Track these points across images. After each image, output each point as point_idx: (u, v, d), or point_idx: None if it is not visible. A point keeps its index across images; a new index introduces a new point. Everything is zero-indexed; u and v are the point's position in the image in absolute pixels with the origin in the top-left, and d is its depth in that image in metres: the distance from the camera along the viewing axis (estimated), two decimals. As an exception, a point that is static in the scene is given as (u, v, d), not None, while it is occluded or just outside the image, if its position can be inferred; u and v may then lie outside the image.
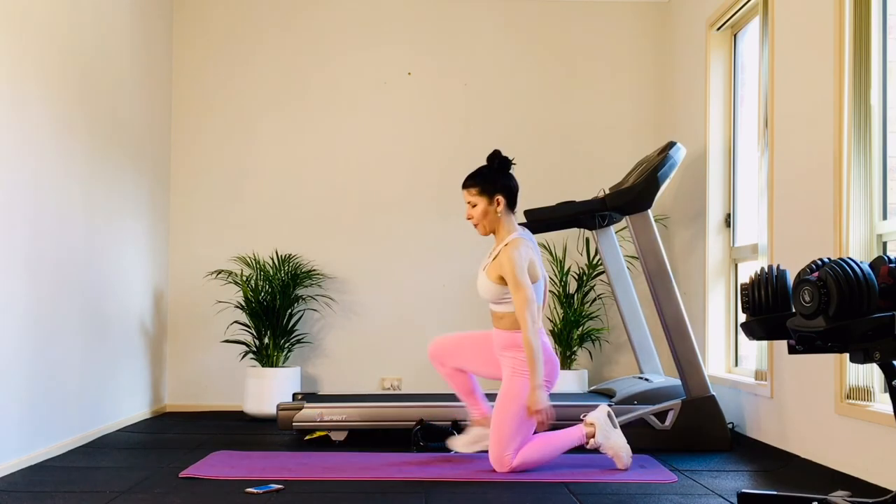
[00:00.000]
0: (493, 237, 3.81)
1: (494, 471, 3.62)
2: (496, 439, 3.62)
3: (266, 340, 5.53)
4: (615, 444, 3.68)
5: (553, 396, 4.83)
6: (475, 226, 3.78)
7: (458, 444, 3.92)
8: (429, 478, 3.53)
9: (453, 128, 6.02)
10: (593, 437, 3.66)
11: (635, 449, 3.84)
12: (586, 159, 6.00)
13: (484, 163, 3.83)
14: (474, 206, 3.74)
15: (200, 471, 3.61)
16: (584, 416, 3.75)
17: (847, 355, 3.37)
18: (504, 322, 3.72)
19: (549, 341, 3.77)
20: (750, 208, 4.88)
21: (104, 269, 4.71)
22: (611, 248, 5.02)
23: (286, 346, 5.60)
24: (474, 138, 5.98)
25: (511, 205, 3.76)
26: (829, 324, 2.53)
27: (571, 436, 3.70)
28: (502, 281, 3.64)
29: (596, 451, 3.71)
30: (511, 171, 3.78)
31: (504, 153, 3.78)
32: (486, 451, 3.71)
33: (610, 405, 4.42)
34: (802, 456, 3.94)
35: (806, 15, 3.97)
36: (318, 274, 5.83)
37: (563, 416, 4.36)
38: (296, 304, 5.65)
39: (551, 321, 5.75)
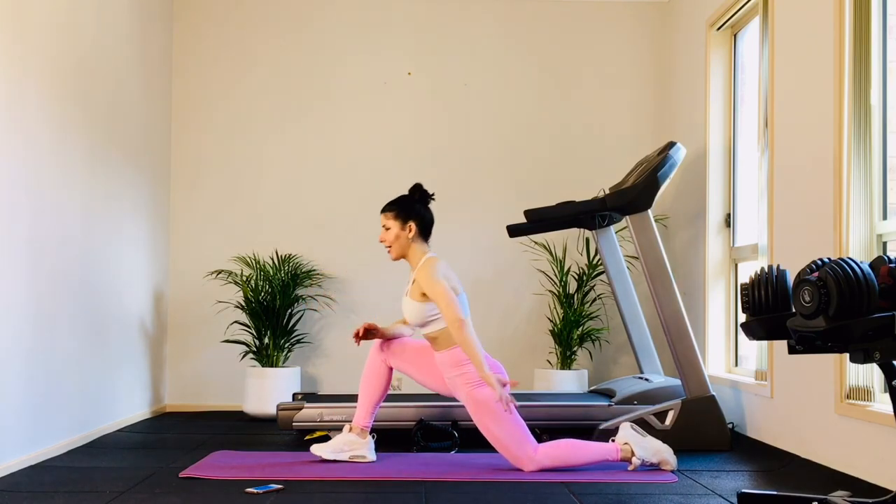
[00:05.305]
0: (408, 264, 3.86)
1: (494, 471, 3.62)
2: (505, 450, 3.63)
3: (266, 340, 5.53)
4: (655, 449, 3.65)
5: (553, 396, 4.87)
6: (388, 249, 3.85)
7: (325, 450, 3.82)
8: (429, 478, 3.53)
9: (453, 128, 6.02)
10: (633, 455, 3.60)
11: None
12: (586, 159, 6.00)
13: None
14: (388, 229, 3.82)
15: (200, 471, 3.61)
16: (613, 440, 3.68)
17: (847, 355, 3.37)
18: (439, 343, 3.73)
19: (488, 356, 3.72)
20: (750, 208, 4.88)
21: (104, 269, 4.71)
22: (611, 248, 5.02)
23: (286, 346, 5.60)
24: (474, 138, 5.99)
25: (424, 234, 3.84)
26: (829, 324, 2.53)
27: (601, 449, 3.65)
28: (426, 298, 3.67)
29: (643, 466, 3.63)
30: (430, 206, 3.87)
31: (428, 185, 3.90)
32: (350, 461, 3.75)
33: (610, 404, 4.43)
34: (802, 456, 3.93)
35: (806, 15, 3.97)
36: (318, 274, 5.83)
37: (564, 416, 4.39)
38: (296, 304, 5.65)
39: (551, 321, 5.75)
